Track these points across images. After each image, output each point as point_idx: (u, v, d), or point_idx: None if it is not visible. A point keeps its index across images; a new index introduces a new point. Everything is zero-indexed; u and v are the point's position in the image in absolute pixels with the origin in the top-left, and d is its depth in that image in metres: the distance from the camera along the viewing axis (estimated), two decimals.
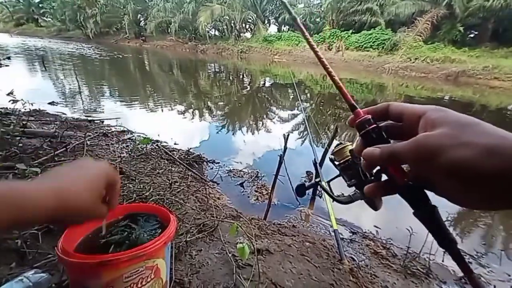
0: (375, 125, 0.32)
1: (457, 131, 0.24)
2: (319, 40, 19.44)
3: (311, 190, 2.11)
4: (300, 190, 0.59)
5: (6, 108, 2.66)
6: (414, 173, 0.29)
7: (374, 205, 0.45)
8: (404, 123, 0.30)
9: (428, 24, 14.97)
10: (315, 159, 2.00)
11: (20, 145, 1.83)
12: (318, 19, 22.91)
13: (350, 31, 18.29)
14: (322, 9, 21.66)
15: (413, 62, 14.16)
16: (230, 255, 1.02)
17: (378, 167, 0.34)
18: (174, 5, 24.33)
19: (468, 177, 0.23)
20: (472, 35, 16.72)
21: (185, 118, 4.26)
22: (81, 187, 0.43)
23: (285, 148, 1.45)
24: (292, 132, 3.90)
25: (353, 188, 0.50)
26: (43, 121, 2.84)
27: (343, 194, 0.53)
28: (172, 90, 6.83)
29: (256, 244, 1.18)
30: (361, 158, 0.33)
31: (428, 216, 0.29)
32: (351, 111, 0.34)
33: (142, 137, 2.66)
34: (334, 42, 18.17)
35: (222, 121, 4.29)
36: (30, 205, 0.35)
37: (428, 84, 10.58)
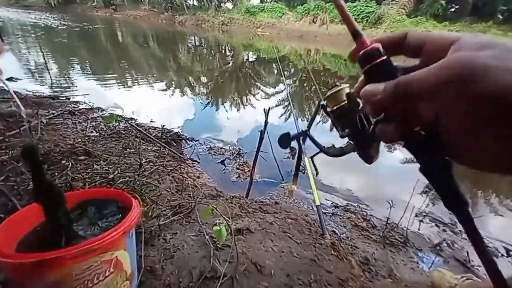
0: (385, 58, 0.24)
1: (509, 55, 0.17)
2: (303, 12, 18.70)
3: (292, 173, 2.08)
4: (284, 140, 0.50)
5: None
6: (430, 115, 0.20)
7: (369, 156, 0.38)
8: (424, 57, 0.22)
9: None
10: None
11: None
12: None
13: None
14: None
15: None
16: (207, 237, 0.96)
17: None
18: None
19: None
20: (453, 9, 16.81)
21: (163, 95, 4.01)
22: None
23: (266, 123, 1.37)
24: (274, 108, 3.80)
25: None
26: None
27: (333, 145, 0.47)
28: (149, 65, 6.36)
29: (236, 224, 1.14)
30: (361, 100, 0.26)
31: (439, 171, 0.24)
32: (354, 40, 0.26)
33: (118, 114, 2.46)
34: (319, 15, 17.58)
35: (203, 98, 4.09)
36: None
37: (412, 59, 10.65)
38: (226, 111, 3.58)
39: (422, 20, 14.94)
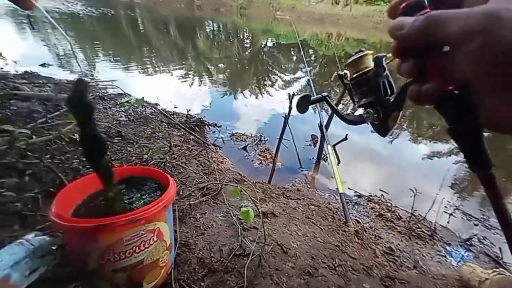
0: (429, 10, 0.23)
1: None
2: None
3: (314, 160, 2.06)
4: (303, 103, 0.47)
5: None
6: (460, 67, 0.20)
7: (386, 127, 0.38)
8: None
9: None
10: (320, 121, 1.91)
11: (14, 108, 1.75)
12: None
13: None
14: None
15: None
16: (235, 218, 1.00)
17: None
18: None
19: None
20: None
21: (183, 81, 4.07)
22: None
23: (290, 108, 1.36)
24: (296, 94, 3.74)
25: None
26: (36, 84, 2.70)
27: (353, 113, 0.45)
28: (169, 52, 6.44)
29: (261, 207, 1.17)
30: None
31: (467, 134, 0.24)
32: None
33: (136, 98, 2.55)
34: None
35: (222, 84, 4.10)
36: None
37: None
38: (246, 98, 3.58)
39: None
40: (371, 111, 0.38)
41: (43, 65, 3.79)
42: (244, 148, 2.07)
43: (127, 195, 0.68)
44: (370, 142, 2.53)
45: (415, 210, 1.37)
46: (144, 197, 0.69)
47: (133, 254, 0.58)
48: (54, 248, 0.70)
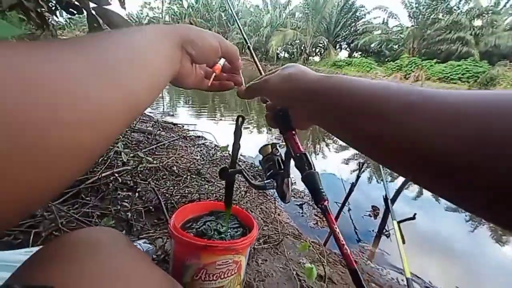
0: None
1: (283, 73, 0.40)
2: (394, 68, 18.22)
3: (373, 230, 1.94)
4: (222, 173, 0.60)
5: None
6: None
7: (283, 192, 0.49)
8: None
9: None
10: (386, 194, 1.85)
11: (127, 137, 2.28)
12: (395, 46, 21.62)
13: (434, 60, 16.58)
14: (402, 35, 20.41)
15: None
16: (294, 273, 1.03)
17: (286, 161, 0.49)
18: (252, 28, 26.70)
19: (278, 95, 0.41)
20: None
21: (247, 131, 4.51)
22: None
23: (358, 177, 1.41)
24: (343, 164, 3.69)
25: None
26: (142, 120, 3.45)
27: (261, 180, 0.58)
28: (236, 104, 7.34)
29: (318, 270, 1.16)
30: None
31: (309, 178, 0.38)
32: None
33: (215, 144, 2.95)
34: (413, 71, 16.74)
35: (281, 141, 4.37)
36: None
37: None
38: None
39: None
40: (272, 180, 0.50)
41: None
42: (301, 206, 2.11)
43: (216, 225, 0.82)
44: (441, 228, 2.25)
45: None
46: (229, 231, 0.82)
47: (218, 279, 0.68)
48: (154, 256, 0.86)
